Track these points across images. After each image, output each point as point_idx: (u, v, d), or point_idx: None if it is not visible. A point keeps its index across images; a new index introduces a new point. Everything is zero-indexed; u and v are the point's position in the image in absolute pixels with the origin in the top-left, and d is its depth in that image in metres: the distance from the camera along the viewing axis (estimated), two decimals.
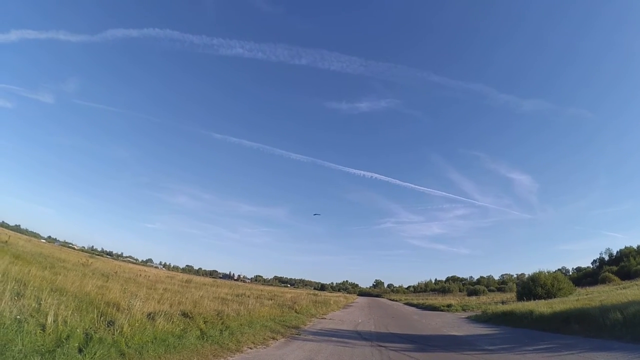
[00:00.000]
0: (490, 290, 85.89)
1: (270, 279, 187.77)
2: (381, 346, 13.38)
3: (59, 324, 7.62)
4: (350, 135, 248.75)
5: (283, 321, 18.78)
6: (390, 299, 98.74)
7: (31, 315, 7.65)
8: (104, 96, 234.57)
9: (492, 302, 41.58)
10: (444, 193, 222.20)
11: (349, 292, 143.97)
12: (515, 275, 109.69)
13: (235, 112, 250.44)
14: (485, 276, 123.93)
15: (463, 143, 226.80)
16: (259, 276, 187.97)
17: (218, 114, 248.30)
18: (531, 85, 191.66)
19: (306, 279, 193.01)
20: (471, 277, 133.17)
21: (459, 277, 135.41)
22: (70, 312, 8.42)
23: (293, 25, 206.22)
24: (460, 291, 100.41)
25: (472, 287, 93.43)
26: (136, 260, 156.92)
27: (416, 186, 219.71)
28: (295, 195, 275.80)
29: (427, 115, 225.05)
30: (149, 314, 10.93)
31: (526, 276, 50.48)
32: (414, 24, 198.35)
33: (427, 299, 69.66)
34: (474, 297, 64.03)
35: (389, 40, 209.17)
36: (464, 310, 40.37)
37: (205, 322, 12.59)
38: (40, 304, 8.46)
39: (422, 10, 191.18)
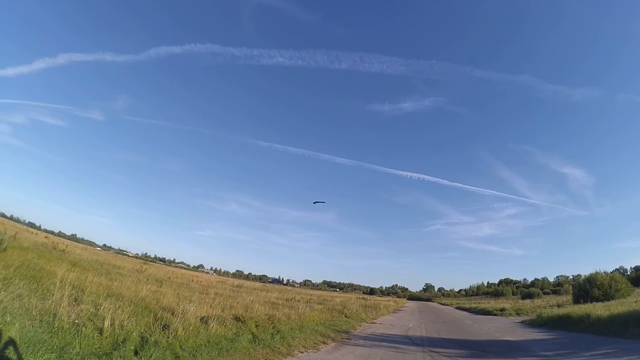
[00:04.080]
0: (545, 293, 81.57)
1: (319, 283, 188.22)
2: (433, 352, 12.95)
3: (116, 328, 7.76)
4: (395, 136, 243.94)
5: (333, 325, 18.44)
6: (440, 303, 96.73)
7: (89, 320, 7.78)
8: (153, 111, 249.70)
9: (547, 306, 39.89)
10: (494, 192, 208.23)
11: (398, 296, 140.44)
12: (571, 277, 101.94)
13: (279, 120, 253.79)
14: (539, 278, 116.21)
15: (512, 138, 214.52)
16: (308, 280, 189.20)
17: (263, 123, 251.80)
18: (582, 72, 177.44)
19: (355, 283, 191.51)
20: (525, 279, 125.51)
21: (512, 280, 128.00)
22: (126, 317, 8.59)
23: (331, 30, 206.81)
24: (513, 294, 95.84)
25: (526, 290, 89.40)
26: (188, 266, 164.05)
27: (465, 185, 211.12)
28: (342, 199, 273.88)
29: (473, 111, 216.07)
30: (202, 318, 11.05)
31: (582, 277, 46.83)
32: (453, 18, 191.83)
33: (479, 303, 67.77)
34: (528, 301, 61.50)
35: (429, 37, 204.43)
36: (518, 314, 38.49)
37: (256, 326, 12.60)
38: (97, 308, 8.65)
39: (460, 4, 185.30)
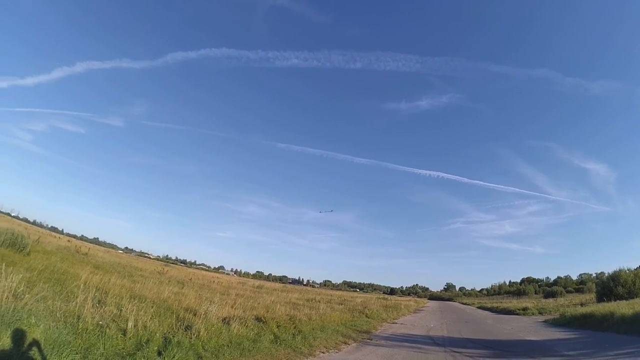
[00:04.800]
0: (568, 292, 79.38)
1: (339, 283, 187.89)
2: (455, 352, 12.75)
3: (139, 329, 7.77)
4: (413, 134, 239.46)
5: (354, 326, 18.23)
6: (462, 303, 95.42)
7: (112, 321, 7.79)
8: (170, 116, 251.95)
9: (570, 304, 39.30)
10: (515, 189, 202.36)
11: (419, 296, 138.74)
12: (594, 275, 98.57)
13: (297, 122, 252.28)
14: (562, 276, 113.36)
15: (532, 134, 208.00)
16: (328, 281, 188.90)
17: (280, 125, 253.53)
18: (601, 65, 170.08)
19: (375, 283, 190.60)
20: (547, 277, 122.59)
21: (534, 279, 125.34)
22: (149, 318, 8.60)
23: (345, 30, 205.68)
24: (536, 293, 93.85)
25: (549, 289, 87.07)
26: (209, 267, 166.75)
27: (485, 183, 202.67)
28: (360, 199, 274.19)
29: (491, 107, 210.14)
30: (224, 319, 11.04)
31: (606, 275, 45.33)
32: (468, 14, 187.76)
33: (501, 302, 66.70)
34: (551, 299, 59.87)
35: (444, 33, 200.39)
36: (540, 313, 37.79)
37: (278, 327, 12.56)
38: (120, 310, 8.67)
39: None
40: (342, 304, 29.16)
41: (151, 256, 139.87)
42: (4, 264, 7.70)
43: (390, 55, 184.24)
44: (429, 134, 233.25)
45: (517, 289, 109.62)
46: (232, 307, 13.91)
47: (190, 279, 33.76)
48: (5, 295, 6.33)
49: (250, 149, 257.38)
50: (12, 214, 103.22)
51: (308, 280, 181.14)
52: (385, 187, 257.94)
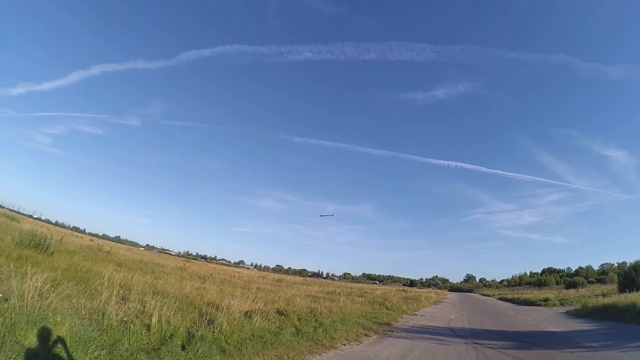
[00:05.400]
0: (589, 282, 77.31)
1: (359, 276, 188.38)
2: (476, 343, 12.71)
3: (163, 324, 7.84)
4: (429, 124, 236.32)
5: (374, 318, 18.16)
6: (482, 294, 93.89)
7: (136, 317, 7.86)
8: (187, 114, 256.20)
9: (592, 295, 38.34)
10: (535, 177, 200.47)
11: (439, 288, 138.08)
12: (616, 264, 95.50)
13: (312, 115, 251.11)
14: (583, 266, 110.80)
15: (551, 121, 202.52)
16: (347, 274, 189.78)
17: (296, 119, 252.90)
18: (620, 48, 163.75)
19: (395, 275, 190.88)
20: (569, 268, 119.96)
21: (555, 269, 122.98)
22: (172, 313, 8.67)
23: (357, 21, 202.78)
24: (557, 284, 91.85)
25: (570, 279, 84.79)
26: (229, 262, 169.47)
27: (504, 172, 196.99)
28: (378, 191, 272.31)
29: (508, 95, 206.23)
30: (246, 313, 11.10)
31: (628, 265, 44.03)
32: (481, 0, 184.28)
33: (522, 293, 65.38)
34: (572, 290, 58.31)
35: (458, 21, 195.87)
36: (562, 304, 36.96)
37: (299, 319, 12.57)
38: (144, 306, 8.77)
39: None
40: (362, 297, 29.25)
41: (172, 252, 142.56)
42: (29, 265, 7.84)
43: (404, 45, 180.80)
44: (446, 123, 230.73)
45: (538, 280, 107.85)
46: (253, 300, 13.99)
47: (211, 274, 34.18)
48: (31, 295, 6.40)
49: (267, 144, 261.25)
50: (35, 216, 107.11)
51: (327, 273, 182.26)
52: (403, 178, 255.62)
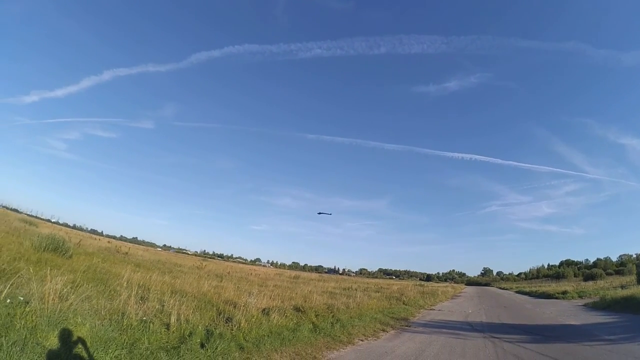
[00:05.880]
0: (608, 274, 76.30)
1: (375, 271, 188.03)
2: (494, 337, 12.60)
3: (182, 322, 7.91)
4: (443, 117, 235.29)
5: (391, 313, 18.01)
6: (499, 288, 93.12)
7: (155, 316, 7.91)
8: (199, 115, 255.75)
9: (611, 287, 38.12)
10: (550, 168, 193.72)
11: (456, 282, 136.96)
12: (634, 256, 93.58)
13: (324, 112, 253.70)
14: (602, 258, 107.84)
15: (566, 110, 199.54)
16: (364, 269, 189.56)
17: (308, 116, 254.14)
18: (633, 34, 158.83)
19: (411, 270, 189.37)
20: (587, 259, 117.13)
21: (573, 261, 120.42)
22: (191, 311, 8.75)
23: (366, 16, 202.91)
24: (575, 276, 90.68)
25: (589, 271, 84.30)
26: (245, 260, 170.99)
27: (520, 163, 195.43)
28: (394, 186, 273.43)
29: (522, 85, 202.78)
30: (264, 310, 11.13)
31: None
32: None
33: (539, 286, 64.76)
34: (590, 282, 57.82)
35: (468, 11, 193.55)
36: (580, 297, 36.44)
37: (316, 316, 12.59)
38: (163, 305, 8.83)
39: None
40: (378, 292, 29.09)
41: (189, 252, 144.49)
42: (48, 268, 7.92)
43: (414, 37, 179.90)
44: (459, 116, 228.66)
45: (556, 272, 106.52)
46: (270, 298, 14.00)
47: (228, 273, 34.48)
48: (52, 297, 6.46)
49: (280, 142, 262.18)
50: (53, 220, 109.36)
51: (344, 269, 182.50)
52: (418, 172, 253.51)
